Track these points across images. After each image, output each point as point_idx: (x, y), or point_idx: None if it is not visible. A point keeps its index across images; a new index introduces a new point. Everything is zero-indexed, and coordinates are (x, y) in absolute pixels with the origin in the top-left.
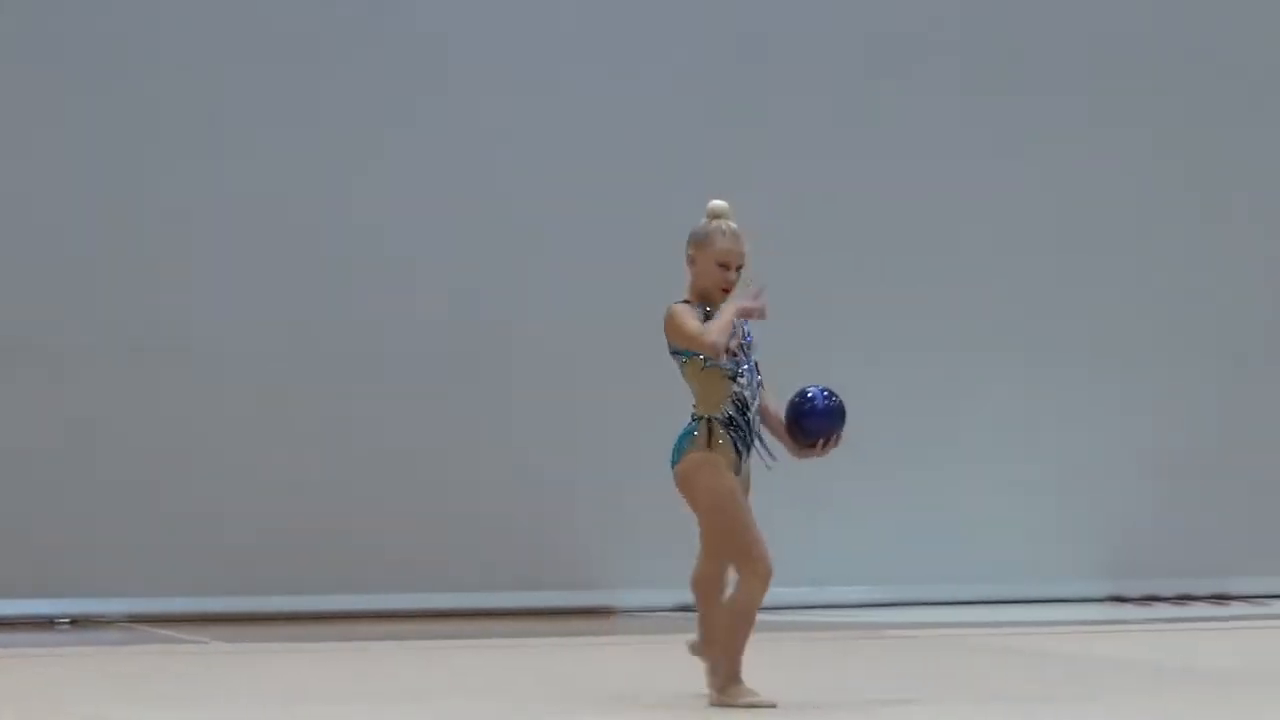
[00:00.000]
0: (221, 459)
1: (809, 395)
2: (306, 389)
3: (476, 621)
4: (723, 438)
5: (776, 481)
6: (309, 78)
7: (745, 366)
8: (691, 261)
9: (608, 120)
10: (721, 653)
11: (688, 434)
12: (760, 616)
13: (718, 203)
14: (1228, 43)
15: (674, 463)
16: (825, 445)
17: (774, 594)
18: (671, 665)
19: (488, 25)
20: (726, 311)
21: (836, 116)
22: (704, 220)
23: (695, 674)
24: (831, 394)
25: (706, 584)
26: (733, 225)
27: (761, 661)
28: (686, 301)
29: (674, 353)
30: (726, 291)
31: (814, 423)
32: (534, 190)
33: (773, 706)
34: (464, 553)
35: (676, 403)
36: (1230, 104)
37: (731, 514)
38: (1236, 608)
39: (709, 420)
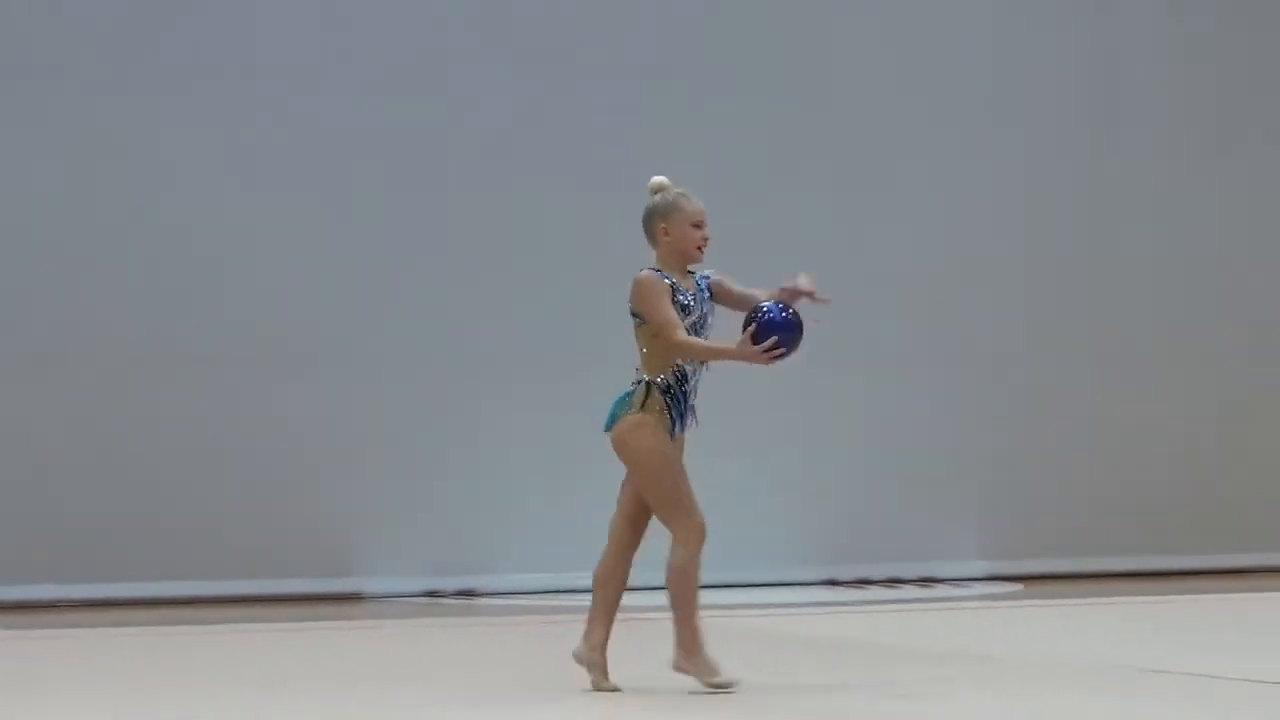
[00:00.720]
0: None
1: (765, 309)
2: (52, 377)
3: (225, 608)
4: (658, 402)
5: (526, 471)
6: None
7: None
8: (665, 233)
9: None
10: (678, 619)
11: (625, 397)
12: (507, 603)
13: (659, 178)
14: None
15: (608, 426)
16: (780, 352)
17: (516, 580)
18: (429, 646)
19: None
20: (728, 352)
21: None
22: (653, 198)
23: (456, 653)
24: (787, 307)
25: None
26: (682, 189)
27: (516, 644)
28: (657, 270)
29: (632, 313)
30: (702, 249)
31: (772, 336)
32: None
33: (733, 685)
34: (213, 540)
35: (427, 390)
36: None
37: (668, 475)
38: (942, 590)
39: (649, 384)
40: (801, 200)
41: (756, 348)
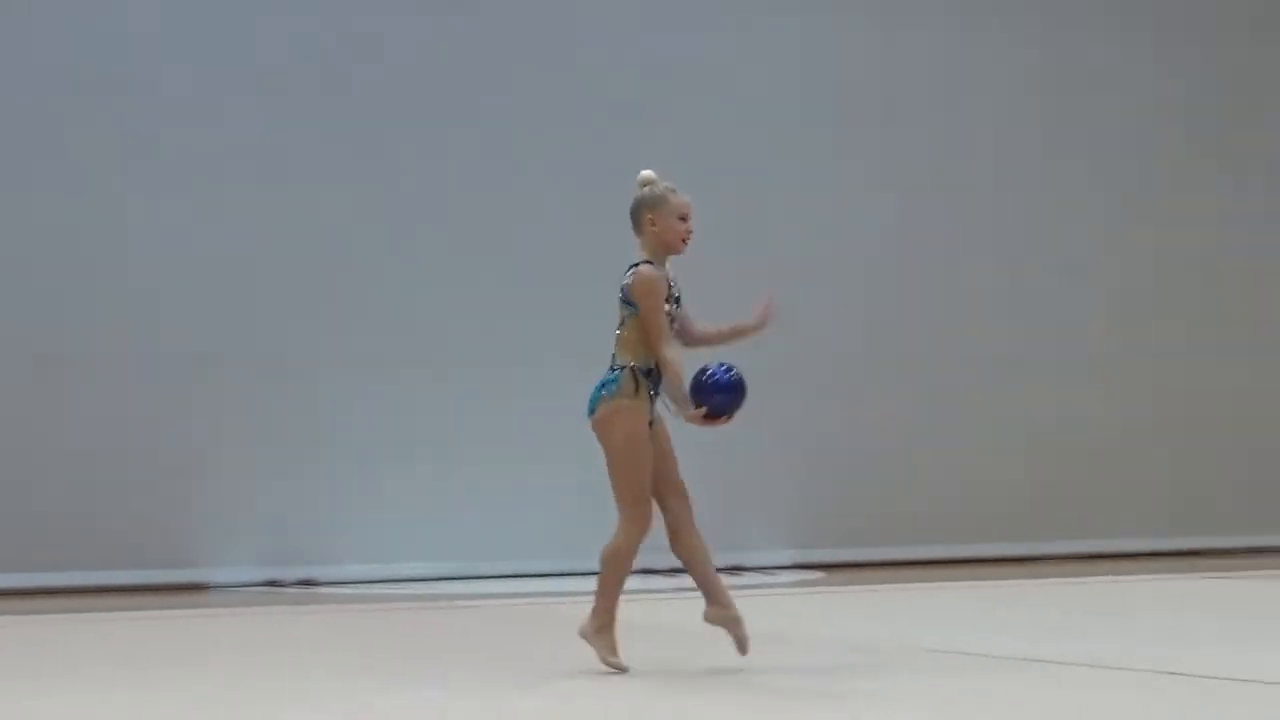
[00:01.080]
0: None
1: (709, 372)
2: None
3: (73, 599)
4: (641, 385)
5: (363, 465)
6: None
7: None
8: (651, 224)
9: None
10: (601, 595)
11: (610, 381)
12: (334, 591)
13: (647, 172)
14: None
15: (592, 410)
16: (726, 418)
17: (348, 570)
18: (271, 632)
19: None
20: (681, 391)
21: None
22: (642, 190)
23: (301, 638)
24: (730, 368)
25: (692, 551)
26: (669, 183)
27: (356, 630)
28: (649, 262)
29: (626, 301)
30: (686, 241)
31: (717, 399)
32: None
33: (624, 670)
34: (61, 533)
35: (267, 386)
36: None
37: (638, 461)
38: (750, 577)
39: (632, 369)
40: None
41: (700, 415)
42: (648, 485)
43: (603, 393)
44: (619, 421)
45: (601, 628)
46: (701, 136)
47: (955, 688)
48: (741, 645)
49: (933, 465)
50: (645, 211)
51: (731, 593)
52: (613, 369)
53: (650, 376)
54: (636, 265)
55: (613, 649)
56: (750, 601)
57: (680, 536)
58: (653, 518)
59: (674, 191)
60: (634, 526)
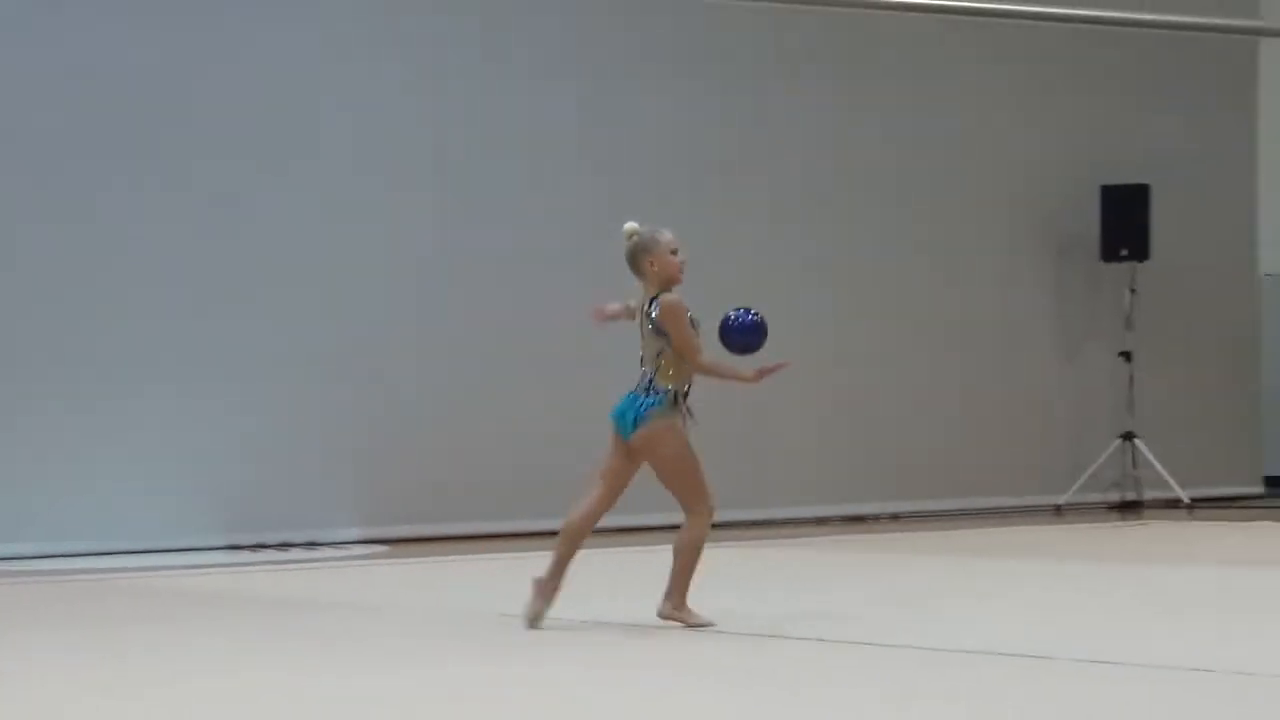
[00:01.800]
0: None
1: (729, 318)
2: None
3: None
4: (680, 409)
5: None
6: None
7: None
8: (651, 264)
9: None
10: (680, 579)
11: (656, 403)
12: None
13: (630, 224)
14: None
15: (634, 427)
16: (769, 371)
17: None
18: None
19: None
20: (734, 371)
21: None
22: (631, 240)
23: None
24: (748, 310)
25: (572, 539)
26: (650, 226)
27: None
28: (668, 291)
29: (659, 333)
30: (683, 271)
31: (737, 339)
32: None
33: (712, 624)
34: None
35: None
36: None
37: (694, 465)
38: (324, 551)
39: (674, 393)
40: None
41: (769, 370)
42: (705, 480)
43: (649, 412)
44: (668, 440)
45: (680, 604)
46: None
47: (534, 648)
48: (531, 619)
49: (480, 447)
50: (643, 257)
51: (314, 566)
52: (654, 391)
53: (686, 398)
54: (656, 297)
55: (695, 615)
56: (332, 573)
57: (582, 520)
58: (715, 506)
59: (659, 230)
60: (702, 519)
